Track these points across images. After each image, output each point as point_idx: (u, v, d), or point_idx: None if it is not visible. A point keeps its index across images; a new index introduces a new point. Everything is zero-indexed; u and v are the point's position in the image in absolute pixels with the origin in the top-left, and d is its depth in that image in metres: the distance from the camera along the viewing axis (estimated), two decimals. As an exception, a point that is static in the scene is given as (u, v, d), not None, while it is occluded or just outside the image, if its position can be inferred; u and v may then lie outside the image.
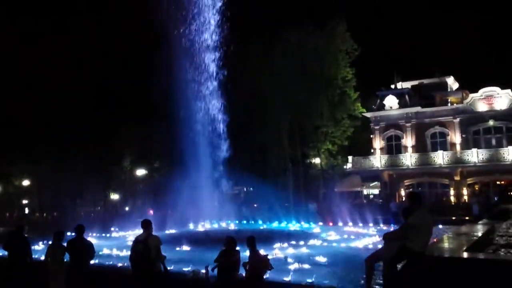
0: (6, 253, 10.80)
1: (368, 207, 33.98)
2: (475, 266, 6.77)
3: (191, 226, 28.47)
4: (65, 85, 48.25)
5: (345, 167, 43.46)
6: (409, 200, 8.10)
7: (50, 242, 10.10)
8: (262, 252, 8.89)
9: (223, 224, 29.59)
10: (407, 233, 7.41)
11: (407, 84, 43.11)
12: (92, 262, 9.97)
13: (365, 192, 46.51)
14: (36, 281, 9.96)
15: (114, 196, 58.36)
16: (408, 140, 40.07)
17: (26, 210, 54.92)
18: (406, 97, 40.77)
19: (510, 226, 14.38)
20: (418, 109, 39.85)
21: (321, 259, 14.43)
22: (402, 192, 39.16)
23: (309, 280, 10.68)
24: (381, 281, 8.09)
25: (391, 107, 40.85)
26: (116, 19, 42.20)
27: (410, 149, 39.72)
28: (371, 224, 26.51)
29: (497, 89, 36.98)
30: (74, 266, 9.34)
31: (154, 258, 8.17)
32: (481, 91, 37.57)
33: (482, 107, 37.32)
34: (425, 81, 43.18)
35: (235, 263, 8.59)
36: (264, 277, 8.68)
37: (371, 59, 47.59)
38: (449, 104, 39.46)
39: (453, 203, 35.85)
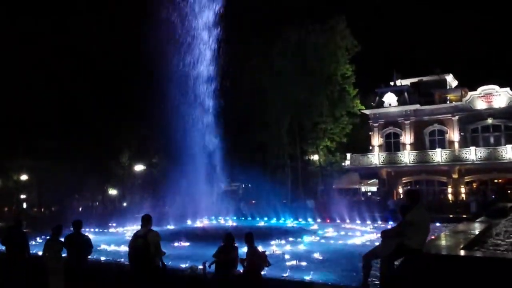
0: (3, 248, 10.79)
1: (366, 204, 34.01)
2: (472, 264, 6.78)
3: (189, 222, 28.48)
4: (65, 82, 48.31)
5: (343, 164, 43.50)
6: (407, 198, 8.12)
7: (48, 237, 10.09)
8: (260, 248, 8.90)
9: (221, 221, 29.63)
10: (404, 231, 7.43)
11: (406, 82, 43.12)
12: (90, 257, 9.97)
13: (363, 189, 46.64)
14: (34, 277, 9.96)
15: (113, 192, 58.38)
16: (407, 138, 40.11)
17: (25, 205, 54.87)
18: (405, 94, 40.77)
19: (507, 224, 14.42)
20: (417, 106, 39.86)
21: (319, 256, 14.46)
22: (400, 190, 39.24)
23: (307, 277, 10.71)
24: (379, 278, 8.11)
25: (390, 105, 40.86)
26: (116, 18, 42.14)
27: (408, 147, 39.76)
28: (368, 221, 26.55)
29: (496, 87, 36.99)
30: (71, 261, 9.34)
31: (153, 254, 8.17)
32: (480, 89, 37.58)
33: (480, 105, 37.34)
34: (424, 78, 43.21)
35: (233, 259, 8.61)
36: (262, 273, 8.69)
37: (371, 56, 47.67)
38: (448, 102, 39.50)
39: (451, 201, 35.92)
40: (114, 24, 47.04)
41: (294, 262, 12.92)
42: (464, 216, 24.00)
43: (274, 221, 29.02)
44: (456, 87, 42.85)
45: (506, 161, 34.74)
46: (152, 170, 51.60)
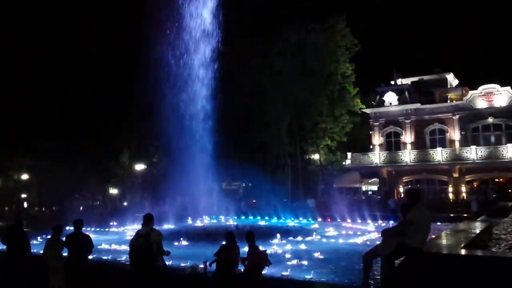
0: (4, 247, 10.79)
1: (366, 203, 33.99)
2: (473, 263, 6.77)
3: (189, 221, 28.47)
4: (65, 82, 48.38)
5: (344, 163, 43.49)
6: (407, 197, 8.11)
7: (48, 237, 10.09)
8: (260, 247, 8.90)
9: (222, 220, 29.61)
10: (405, 230, 7.42)
11: (406, 81, 43.09)
12: (90, 256, 9.97)
13: (363, 188, 46.58)
14: (35, 276, 9.96)
15: (113, 191, 58.42)
16: (407, 137, 40.09)
17: (25, 204, 54.93)
18: (406, 93, 40.74)
19: (508, 223, 14.41)
20: (417, 105, 39.83)
21: (319, 255, 14.44)
22: (401, 189, 39.23)
23: (307, 276, 10.71)
24: (379, 278, 8.11)
25: (390, 104, 40.84)
26: (116, 18, 42.16)
27: (409, 146, 39.75)
28: (369, 221, 26.52)
29: (496, 86, 36.95)
30: (72, 260, 9.34)
31: (155, 253, 8.17)
32: (480, 88, 37.55)
33: (481, 104, 37.31)
34: (425, 77, 43.20)
35: (234, 258, 8.61)
36: (263, 272, 8.69)
37: (371, 55, 47.62)
38: (448, 101, 39.48)
39: (451, 200, 35.89)
40: (114, 24, 47.10)
41: (294, 261, 12.90)
42: (465, 215, 23.99)
43: (274, 220, 29.00)
44: (456, 86, 42.83)
45: (506, 160, 34.72)
46: (152, 169, 51.65)
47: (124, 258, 13.02)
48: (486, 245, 10.08)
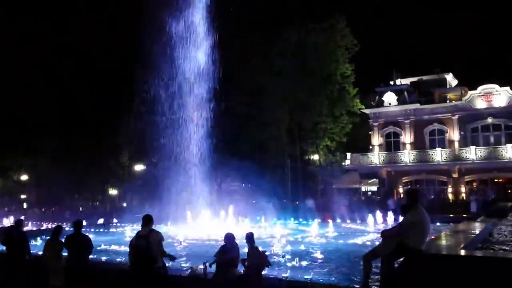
0: (4, 248, 10.79)
1: (366, 204, 34.01)
2: (472, 264, 6.78)
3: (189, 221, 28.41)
4: (65, 81, 48.37)
5: (343, 163, 43.49)
6: (407, 197, 8.11)
7: (48, 238, 10.09)
8: (260, 248, 8.90)
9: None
10: (405, 230, 7.43)
11: (406, 81, 43.13)
12: (90, 257, 9.96)
13: (363, 189, 46.62)
14: (35, 277, 9.96)
15: (113, 191, 58.38)
16: (407, 137, 40.11)
17: (25, 205, 54.91)
18: (405, 93, 40.77)
19: (508, 224, 14.43)
20: (417, 106, 39.86)
21: (319, 255, 14.45)
22: (400, 189, 39.23)
23: (307, 277, 10.71)
24: (379, 278, 8.11)
25: (390, 104, 40.86)
26: (116, 18, 42.14)
27: (408, 146, 39.77)
28: (369, 221, 26.53)
29: (496, 86, 36.98)
30: (72, 261, 9.34)
31: (155, 254, 8.17)
32: (480, 88, 37.57)
33: (480, 104, 37.34)
34: (424, 77, 43.24)
35: (234, 259, 8.60)
36: (262, 273, 8.69)
37: (371, 55, 47.67)
38: (448, 101, 39.50)
39: (451, 201, 35.91)
40: (114, 24, 47.10)
41: (294, 262, 12.91)
42: (465, 215, 24.00)
43: (274, 220, 28.97)
44: (456, 86, 42.86)
45: (506, 160, 34.75)
46: (152, 170, 51.60)
47: (123, 259, 13.03)
48: (486, 245, 10.09)
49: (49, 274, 9.38)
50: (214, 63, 33.18)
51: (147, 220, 8.46)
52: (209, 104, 33.69)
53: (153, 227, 8.50)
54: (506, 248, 9.72)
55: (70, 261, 9.39)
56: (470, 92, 38.25)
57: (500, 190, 34.09)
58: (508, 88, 36.52)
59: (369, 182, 44.52)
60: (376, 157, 40.28)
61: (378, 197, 40.21)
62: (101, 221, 32.35)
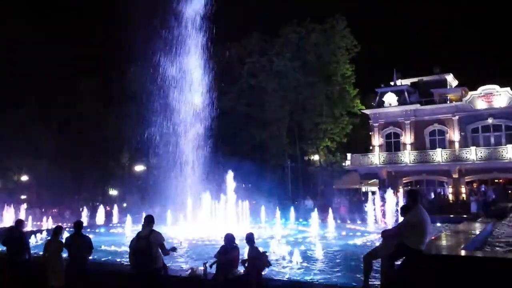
0: (4, 248, 10.79)
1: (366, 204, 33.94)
2: (472, 264, 6.77)
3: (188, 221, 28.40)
4: (65, 81, 48.38)
5: (343, 164, 43.49)
6: (407, 198, 8.11)
7: (48, 238, 10.09)
8: (260, 249, 8.89)
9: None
10: (405, 231, 7.42)
11: (406, 81, 43.13)
12: (90, 258, 9.96)
13: (363, 189, 46.56)
14: (35, 277, 9.96)
15: (113, 192, 58.35)
16: (407, 138, 40.09)
17: (25, 205, 54.87)
18: (405, 94, 40.77)
19: (508, 224, 14.42)
20: (417, 106, 39.86)
21: (319, 256, 14.44)
22: (401, 190, 39.17)
23: (307, 277, 10.71)
24: (379, 278, 8.11)
25: (390, 104, 40.85)
26: (116, 19, 42.07)
27: (408, 147, 39.75)
28: (369, 221, 26.52)
29: (496, 87, 36.98)
30: (72, 262, 9.34)
31: (155, 255, 8.17)
32: (480, 89, 37.57)
33: (481, 105, 37.33)
34: (425, 78, 43.22)
35: (234, 259, 8.59)
36: (262, 273, 8.69)
37: (371, 56, 47.63)
38: (448, 102, 39.50)
39: (451, 201, 35.89)
40: (114, 23, 47.15)
41: (294, 263, 12.91)
42: (465, 216, 24.00)
43: (274, 221, 28.95)
44: (456, 86, 42.82)
45: (506, 161, 34.73)
46: (152, 170, 51.61)
47: (124, 259, 13.03)
48: (486, 246, 10.09)
49: (48, 274, 9.37)
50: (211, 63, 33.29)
51: (148, 221, 8.46)
52: (208, 104, 33.73)
53: (153, 227, 8.50)
54: (506, 248, 9.72)
55: (70, 262, 9.39)
56: (470, 93, 38.25)
57: (500, 190, 34.03)
58: (508, 88, 36.52)
59: (369, 182, 44.47)
60: (376, 157, 40.25)
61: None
62: (101, 221, 32.35)
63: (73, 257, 9.35)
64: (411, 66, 54.59)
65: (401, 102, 40.51)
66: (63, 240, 9.66)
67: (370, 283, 8.15)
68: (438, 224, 22.08)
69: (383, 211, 26.61)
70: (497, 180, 36.79)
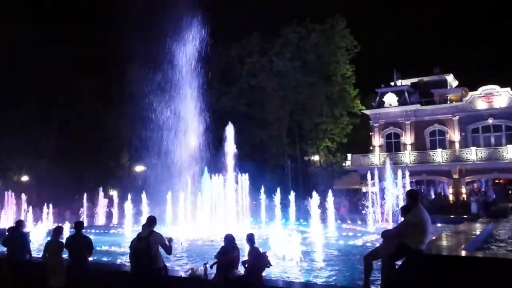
0: (5, 249, 10.79)
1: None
2: (473, 264, 6.77)
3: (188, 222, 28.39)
4: (65, 81, 48.38)
5: (344, 164, 43.47)
6: (407, 198, 8.11)
7: (48, 238, 10.08)
8: (261, 249, 8.89)
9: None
10: (405, 231, 7.42)
11: (406, 82, 43.13)
12: (90, 258, 9.96)
13: (363, 189, 46.51)
14: (35, 278, 9.95)
15: (113, 192, 58.30)
16: (407, 138, 40.09)
17: (25, 205, 54.87)
18: (406, 94, 40.77)
19: (508, 225, 14.42)
20: (417, 106, 39.86)
21: (319, 256, 14.43)
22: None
23: (307, 278, 10.70)
24: (380, 279, 8.10)
25: (390, 105, 40.84)
26: (116, 20, 42.07)
27: (409, 147, 39.74)
28: (369, 222, 26.50)
29: (496, 87, 36.98)
30: (72, 262, 9.34)
31: (155, 255, 8.16)
32: (480, 89, 37.57)
33: (481, 105, 37.32)
34: (425, 78, 43.22)
35: (234, 260, 8.59)
36: (263, 274, 8.68)
37: (371, 56, 47.63)
38: (448, 102, 39.50)
39: (451, 201, 35.88)
40: (116, 24, 47.19)
41: (295, 263, 12.90)
42: (465, 216, 23.99)
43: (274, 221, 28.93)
44: (456, 87, 42.83)
45: (506, 161, 34.71)
46: (152, 170, 51.59)
47: (124, 260, 13.03)
48: (486, 246, 10.08)
49: (49, 274, 9.36)
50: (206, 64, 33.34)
51: (150, 221, 8.46)
52: (208, 104, 33.74)
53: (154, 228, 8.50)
54: (507, 248, 9.72)
55: (70, 262, 9.39)
56: (470, 93, 38.25)
57: (500, 191, 34.03)
58: (508, 89, 36.52)
59: (369, 183, 44.39)
60: (376, 158, 40.24)
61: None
62: (101, 222, 32.35)
63: (73, 258, 9.34)
64: (411, 66, 54.52)
65: (401, 102, 40.51)
66: (64, 241, 9.66)
67: (370, 283, 8.14)
68: (439, 225, 22.07)
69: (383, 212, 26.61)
70: (497, 181, 36.81)
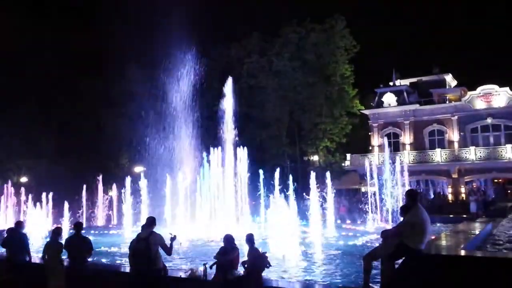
0: (4, 249, 10.79)
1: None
2: (472, 264, 6.78)
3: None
4: (65, 81, 48.38)
5: (343, 164, 43.46)
6: (407, 198, 8.12)
7: (48, 239, 10.08)
8: (260, 249, 8.89)
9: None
10: (405, 231, 7.43)
11: (405, 81, 43.15)
12: (90, 259, 9.96)
13: (363, 189, 46.51)
14: (35, 278, 9.96)
15: (113, 193, 58.18)
16: (406, 138, 40.11)
17: (25, 206, 54.85)
18: (405, 94, 40.80)
19: (507, 224, 14.44)
20: (416, 106, 39.89)
21: (319, 256, 14.45)
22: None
23: (307, 278, 10.71)
24: (379, 279, 8.11)
25: (389, 105, 40.87)
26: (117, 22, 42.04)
27: (408, 147, 39.76)
28: (369, 222, 26.52)
29: (495, 86, 37.01)
30: (72, 263, 9.34)
31: (154, 256, 8.17)
32: (479, 88, 37.60)
33: (480, 104, 37.35)
34: (424, 78, 43.26)
35: (234, 260, 8.59)
36: (262, 274, 8.69)
37: (370, 56, 47.65)
38: (447, 102, 39.52)
39: (450, 201, 35.90)
40: (116, 25, 47.19)
41: (294, 263, 12.91)
42: (464, 216, 24.01)
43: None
44: (455, 86, 42.87)
45: (505, 160, 34.75)
46: (152, 171, 51.52)
47: (123, 260, 13.02)
48: (485, 246, 10.10)
49: (48, 275, 9.37)
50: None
51: (149, 222, 8.47)
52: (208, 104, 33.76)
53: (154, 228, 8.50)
54: (506, 248, 9.73)
55: (70, 263, 9.39)
56: (469, 93, 38.28)
57: (499, 190, 34.07)
58: (507, 88, 36.55)
59: (369, 183, 44.42)
60: (375, 157, 40.24)
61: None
62: (100, 223, 32.33)
63: (73, 258, 9.35)
64: (410, 66, 54.46)
65: (400, 102, 40.53)
66: (63, 241, 9.66)
67: (370, 283, 8.14)
68: (438, 224, 22.08)
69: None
70: (496, 180, 36.85)
